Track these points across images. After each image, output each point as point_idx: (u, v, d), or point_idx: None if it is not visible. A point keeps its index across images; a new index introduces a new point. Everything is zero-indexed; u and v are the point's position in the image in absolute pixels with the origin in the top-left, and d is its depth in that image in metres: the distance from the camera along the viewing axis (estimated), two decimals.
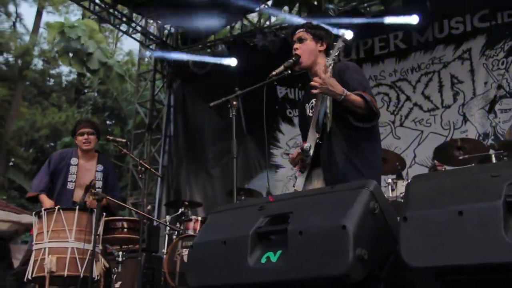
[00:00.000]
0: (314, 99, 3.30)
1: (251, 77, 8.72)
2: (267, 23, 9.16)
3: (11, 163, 19.65)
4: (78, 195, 4.56)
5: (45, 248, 4.02)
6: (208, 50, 9.81)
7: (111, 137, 4.89)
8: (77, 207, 4.13)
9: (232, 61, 9.24)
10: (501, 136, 7.20)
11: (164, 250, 6.34)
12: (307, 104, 3.40)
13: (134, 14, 9.65)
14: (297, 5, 9.12)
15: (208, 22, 9.30)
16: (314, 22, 3.44)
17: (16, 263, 8.16)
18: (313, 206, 2.18)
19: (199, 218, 6.53)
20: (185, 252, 5.87)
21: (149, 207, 5.88)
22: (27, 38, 20.56)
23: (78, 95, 20.09)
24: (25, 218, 9.35)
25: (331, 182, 3.01)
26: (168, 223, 6.49)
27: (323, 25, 3.43)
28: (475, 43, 7.70)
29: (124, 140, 4.87)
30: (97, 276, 4.13)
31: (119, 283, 5.30)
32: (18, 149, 19.13)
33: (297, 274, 2.00)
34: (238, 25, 9.69)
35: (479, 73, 7.59)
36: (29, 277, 4.04)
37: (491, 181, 1.85)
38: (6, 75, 19.26)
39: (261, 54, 8.92)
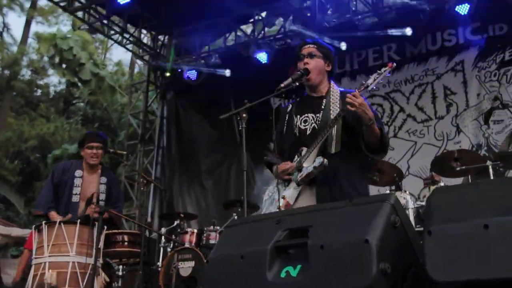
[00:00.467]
0: (311, 114, 3.30)
1: (245, 88, 8.84)
2: (261, 34, 9.17)
3: None
4: (83, 208, 4.52)
5: (45, 263, 3.97)
6: (202, 61, 9.79)
7: (111, 150, 4.86)
8: (78, 220, 4.08)
9: (226, 72, 9.25)
10: (494, 147, 7.28)
11: (159, 263, 6.26)
12: (298, 115, 3.39)
13: (128, 25, 9.62)
14: (291, 17, 9.15)
15: (202, 33, 9.32)
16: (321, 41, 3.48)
17: (5, 278, 8.02)
18: (332, 220, 2.17)
19: (195, 231, 6.48)
20: (181, 265, 5.82)
21: (149, 219, 5.82)
22: (14, 48, 20.43)
23: (67, 105, 19.94)
24: (15, 231, 9.19)
25: (329, 199, 3.00)
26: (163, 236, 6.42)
27: (330, 46, 3.46)
28: (467, 55, 7.81)
29: (125, 153, 4.86)
30: None
31: None
32: (4, 160, 18.89)
33: None
34: (232, 36, 9.69)
35: (471, 85, 7.69)
36: None
37: None
38: None
39: (255, 65, 8.94)
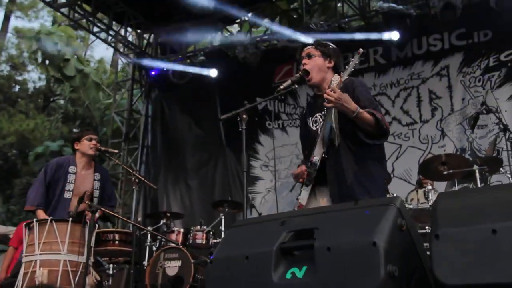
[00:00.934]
0: (318, 113, 3.34)
1: (231, 88, 8.85)
2: (248, 35, 9.18)
3: None
4: (75, 204, 4.46)
5: (36, 261, 3.92)
6: (188, 61, 9.76)
7: (103, 148, 4.82)
8: (70, 218, 4.03)
9: (212, 72, 9.23)
10: (478, 151, 7.40)
11: (145, 262, 6.22)
12: (310, 118, 3.42)
13: (114, 23, 9.54)
14: (278, 17, 9.19)
15: (188, 32, 9.28)
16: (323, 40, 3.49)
17: None
18: (338, 222, 2.18)
19: (182, 230, 6.47)
20: (168, 264, 5.80)
21: (139, 218, 5.78)
22: None
23: (47, 102, 19.66)
24: None
25: (338, 197, 3.05)
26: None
27: (331, 44, 3.48)
28: (452, 60, 7.93)
29: (116, 151, 4.81)
30: None
31: None
32: None
33: None
34: (218, 36, 9.68)
35: (456, 90, 7.81)
36: None
37: None
38: None
39: (242, 65, 8.95)
